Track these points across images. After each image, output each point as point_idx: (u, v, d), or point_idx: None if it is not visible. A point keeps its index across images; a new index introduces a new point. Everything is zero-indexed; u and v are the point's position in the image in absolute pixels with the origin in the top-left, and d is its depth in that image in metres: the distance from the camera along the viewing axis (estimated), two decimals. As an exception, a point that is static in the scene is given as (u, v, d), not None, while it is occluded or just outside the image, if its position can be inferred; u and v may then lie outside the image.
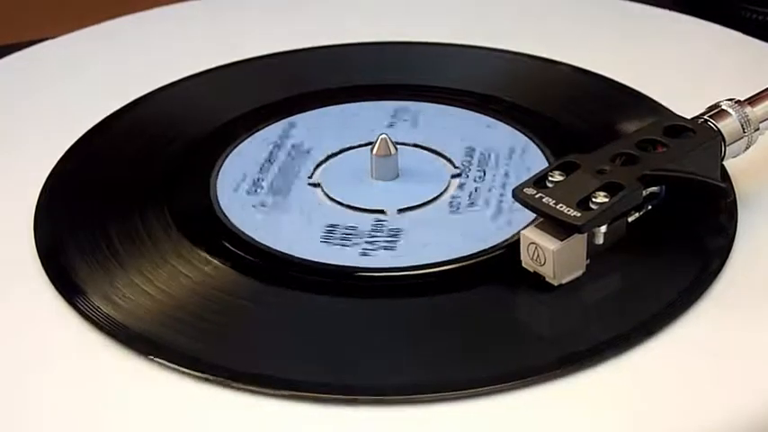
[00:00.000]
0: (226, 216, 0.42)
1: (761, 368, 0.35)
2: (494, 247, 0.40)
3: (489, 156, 0.45)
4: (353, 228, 0.41)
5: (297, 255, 0.40)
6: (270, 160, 0.45)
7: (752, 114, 0.42)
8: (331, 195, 0.43)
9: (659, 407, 0.34)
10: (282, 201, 0.43)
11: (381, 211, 0.42)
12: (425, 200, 0.43)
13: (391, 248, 0.40)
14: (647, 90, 0.49)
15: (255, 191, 0.43)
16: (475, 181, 0.44)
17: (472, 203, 0.42)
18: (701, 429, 0.33)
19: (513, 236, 0.40)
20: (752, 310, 0.37)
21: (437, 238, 0.41)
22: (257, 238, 0.41)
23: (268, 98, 0.50)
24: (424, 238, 0.41)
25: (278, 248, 0.40)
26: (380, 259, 0.40)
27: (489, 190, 0.43)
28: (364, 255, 0.40)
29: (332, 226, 0.41)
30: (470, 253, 0.40)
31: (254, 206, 0.43)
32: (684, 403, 0.34)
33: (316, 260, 0.39)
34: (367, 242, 0.40)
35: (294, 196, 0.43)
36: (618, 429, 0.33)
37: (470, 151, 0.46)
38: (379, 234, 0.41)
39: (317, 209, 0.43)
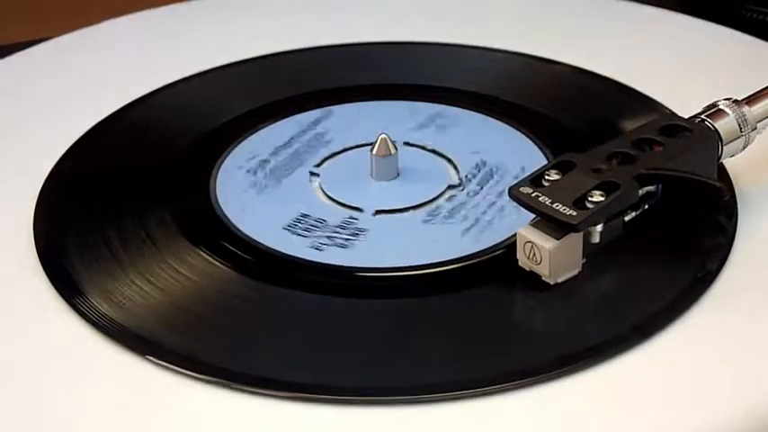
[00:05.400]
0: (226, 216, 0.42)
1: (760, 368, 0.35)
2: (491, 247, 0.40)
3: (486, 159, 0.45)
4: (322, 221, 0.42)
5: (285, 251, 0.40)
6: (266, 161, 0.46)
7: (749, 114, 0.42)
8: (322, 188, 0.44)
9: (658, 407, 0.34)
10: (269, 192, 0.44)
11: (358, 209, 0.42)
12: (409, 204, 0.43)
13: (346, 246, 0.40)
14: (646, 89, 0.49)
15: (250, 188, 0.44)
16: (466, 190, 0.44)
17: (450, 215, 0.42)
18: (700, 429, 0.33)
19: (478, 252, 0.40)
20: (751, 310, 0.37)
21: (399, 243, 0.41)
22: (256, 238, 0.41)
23: (268, 98, 0.50)
24: (385, 241, 0.41)
25: (277, 248, 0.40)
26: (329, 255, 0.40)
27: (478, 194, 0.43)
28: (316, 248, 0.40)
29: (303, 215, 0.42)
30: (469, 253, 0.40)
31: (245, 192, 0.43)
32: (684, 403, 0.34)
33: (314, 260, 0.40)
34: (327, 237, 0.41)
35: (287, 188, 0.44)
36: (616, 429, 0.33)
37: (468, 152, 0.46)
38: (342, 231, 0.41)
39: (299, 198, 0.43)
